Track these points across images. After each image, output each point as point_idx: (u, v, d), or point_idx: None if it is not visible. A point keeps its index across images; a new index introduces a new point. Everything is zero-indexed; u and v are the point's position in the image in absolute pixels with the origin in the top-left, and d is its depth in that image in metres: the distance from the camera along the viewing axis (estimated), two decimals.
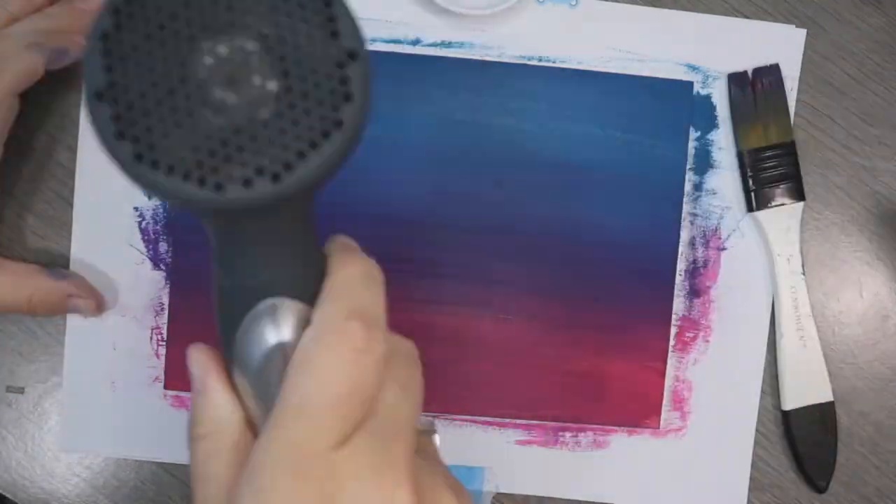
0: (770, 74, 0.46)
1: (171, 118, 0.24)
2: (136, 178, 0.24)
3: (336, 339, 0.26)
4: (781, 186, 0.46)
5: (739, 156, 0.47)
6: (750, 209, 0.46)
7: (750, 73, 0.47)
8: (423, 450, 0.29)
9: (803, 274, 0.46)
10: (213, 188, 0.24)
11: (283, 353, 0.27)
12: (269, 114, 0.24)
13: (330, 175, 0.25)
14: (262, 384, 0.28)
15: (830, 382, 0.47)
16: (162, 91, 0.24)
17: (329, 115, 0.25)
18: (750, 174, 0.46)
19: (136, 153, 0.24)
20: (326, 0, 0.25)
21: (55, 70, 0.42)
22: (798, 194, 0.46)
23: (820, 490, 0.47)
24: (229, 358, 0.29)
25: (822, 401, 0.46)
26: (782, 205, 0.46)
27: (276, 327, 0.27)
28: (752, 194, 0.46)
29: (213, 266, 0.29)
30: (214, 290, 0.29)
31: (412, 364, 0.29)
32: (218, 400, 0.28)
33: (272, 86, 0.24)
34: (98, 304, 0.45)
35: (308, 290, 0.28)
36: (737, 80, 0.46)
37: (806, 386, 0.46)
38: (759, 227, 0.47)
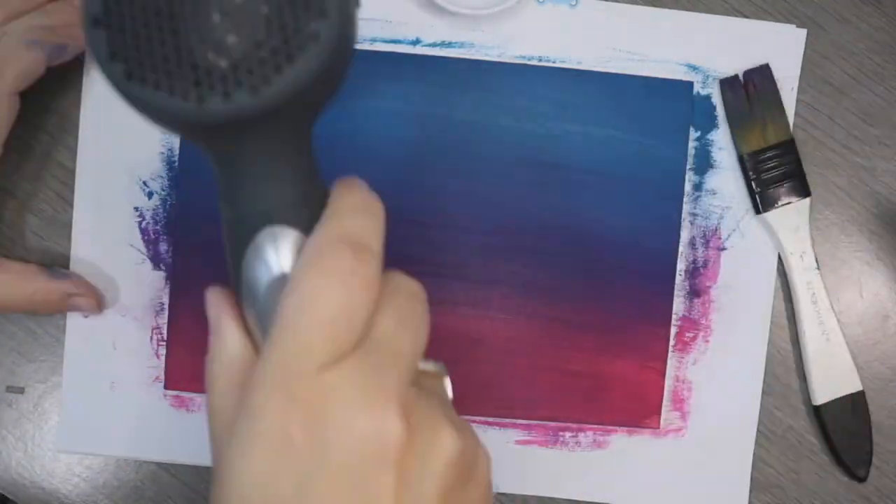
0: (761, 75, 0.46)
1: (157, 39, 0.26)
2: (127, 94, 0.26)
3: (324, 261, 0.27)
4: (785, 185, 0.46)
5: (740, 160, 0.47)
6: (757, 211, 0.46)
7: (741, 75, 0.47)
8: (428, 388, 0.30)
9: (818, 269, 0.46)
10: (195, 100, 0.25)
11: (283, 281, 0.28)
12: (248, 30, 0.26)
13: (309, 93, 0.26)
14: (266, 314, 0.28)
15: (857, 372, 0.47)
16: (149, 13, 0.26)
17: (304, 28, 0.26)
18: (753, 176, 0.46)
19: (126, 72, 0.26)
20: None
21: (55, 69, 0.42)
22: (803, 191, 0.46)
23: (861, 479, 0.47)
24: (238, 293, 0.30)
25: (852, 391, 0.47)
26: (788, 203, 0.46)
27: (276, 255, 0.28)
28: (757, 196, 0.46)
29: (220, 203, 0.30)
30: (223, 228, 0.30)
31: (415, 300, 0.29)
32: (229, 337, 0.29)
33: (251, 4, 0.26)
34: (98, 303, 0.45)
35: (309, 222, 0.29)
36: (729, 85, 0.46)
37: (834, 378, 0.47)
38: (768, 228, 0.47)
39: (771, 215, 0.46)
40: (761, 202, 0.46)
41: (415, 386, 0.28)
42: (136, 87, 0.26)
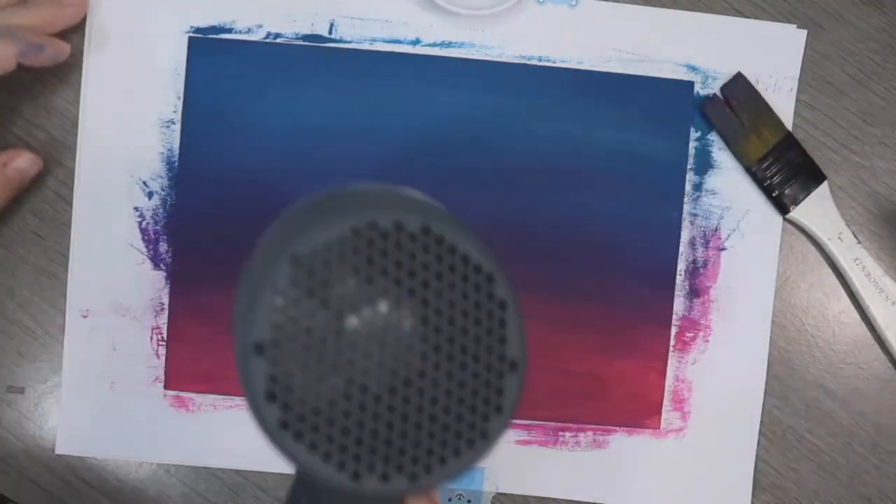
0: (737, 86, 0.46)
1: (325, 396, 0.23)
2: (276, 443, 0.24)
3: None
4: (799, 179, 0.46)
5: (748, 172, 0.47)
6: (784, 212, 0.47)
7: (719, 93, 0.46)
8: None
9: (859, 242, 0.47)
10: (350, 475, 0.23)
11: None
12: (420, 414, 0.24)
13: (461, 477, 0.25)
14: None
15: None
16: (322, 368, 0.23)
17: (478, 424, 0.24)
18: (766, 184, 0.46)
19: (282, 420, 0.23)
20: (501, 301, 0.25)
21: (55, 69, 0.42)
22: (817, 177, 0.47)
23: None
24: None
25: None
26: (808, 194, 0.46)
27: None
28: (777, 200, 0.46)
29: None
30: None
31: None
32: None
33: (427, 386, 0.24)
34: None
35: None
36: (712, 106, 0.46)
37: None
38: (800, 225, 0.47)
39: (797, 213, 0.46)
40: (783, 204, 0.46)
41: None
42: (288, 440, 0.23)
